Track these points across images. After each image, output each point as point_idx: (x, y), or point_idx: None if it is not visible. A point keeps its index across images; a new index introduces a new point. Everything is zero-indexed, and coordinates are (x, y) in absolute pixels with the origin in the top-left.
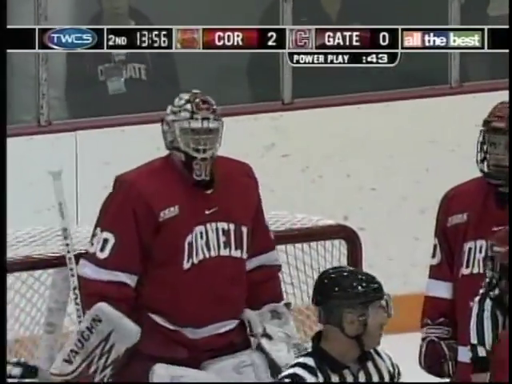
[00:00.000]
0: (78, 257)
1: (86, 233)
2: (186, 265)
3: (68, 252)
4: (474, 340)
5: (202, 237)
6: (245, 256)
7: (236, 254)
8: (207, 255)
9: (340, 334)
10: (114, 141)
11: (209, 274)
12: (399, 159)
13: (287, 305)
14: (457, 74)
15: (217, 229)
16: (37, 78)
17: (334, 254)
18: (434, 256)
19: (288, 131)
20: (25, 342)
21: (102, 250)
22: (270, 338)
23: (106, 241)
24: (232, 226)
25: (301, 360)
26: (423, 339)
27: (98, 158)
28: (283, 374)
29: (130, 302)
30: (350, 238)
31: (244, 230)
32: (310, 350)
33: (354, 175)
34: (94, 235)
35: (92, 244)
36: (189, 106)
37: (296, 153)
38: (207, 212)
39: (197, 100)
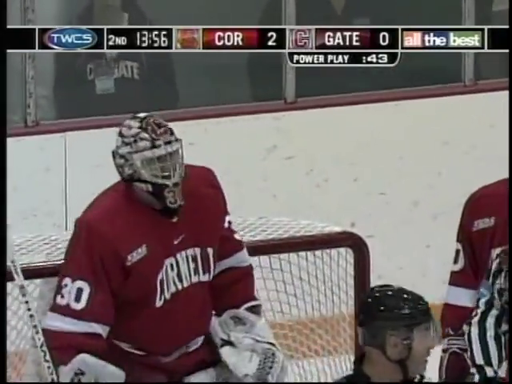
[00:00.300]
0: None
1: None
2: (159, 303)
3: (29, 310)
4: (480, 361)
5: (172, 269)
6: (211, 277)
7: (204, 278)
8: (179, 287)
9: (382, 358)
10: (106, 142)
11: (181, 305)
12: (410, 162)
13: (255, 308)
14: (471, 72)
15: (187, 257)
16: (23, 76)
17: (340, 263)
18: (456, 262)
19: (291, 132)
20: (10, 357)
21: (77, 300)
22: (234, 345)
23: (80, 290)
24: (198, 250)
25: (338, 381)
26: (444, 350)
27: (89, 161)
28: None
29: (104, 353)
30: (358, 246)
31: (210, 251)
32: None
33: (362, 179)
34: (62, 286)
35: (62, 296)
36: (145, 135)
37: (300, 155)
38: (175, 242)
39: (151, 125)
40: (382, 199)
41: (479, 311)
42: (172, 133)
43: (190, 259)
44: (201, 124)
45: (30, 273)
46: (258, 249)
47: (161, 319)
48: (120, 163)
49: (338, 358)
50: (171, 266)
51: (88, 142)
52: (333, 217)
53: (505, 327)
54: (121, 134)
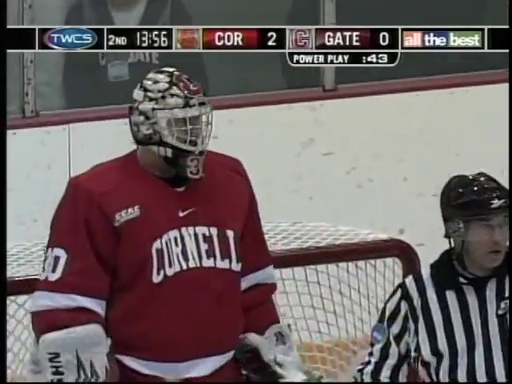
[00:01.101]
0: None
1: None
2: (157, 278)
3: None
4: None
5: (176, 244)
6: (235, 267)
7: (223, 264)
8: (184, 266)
9: None
10: (115, 135)
11: (188, 289)
12: (468, 158)
13: (290, 327)
14: None
15: (195, 234)
16: (21, 60)
17: (387, 276)
18: None
19: (330, 124)
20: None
21: (53, 270)
22: (280, 365)
23: (56, 259)
24: (214, 231)
25: None
26: None
27: (95, 156)
28: None
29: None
30: (406, 256)
31: (230, 234)
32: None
33: (412, 178)
34: (45, 259)
35: (44, 269)
36: (177, 90)
37: (340, 151)
38: (181, 214)
39: (182, 81)
40: (434, 202)
41: (373, 360)
42: (204, 93)
43: (201, 238)
44: (225, 115)
45: (28, 287)
46: (291, 259)
47: (162, 301)
48: (138, 121)
49: None
50: (175, 239)
51: (95, 134)
52: (378, 222)
53: (402, 378)
54: (144, 88)
